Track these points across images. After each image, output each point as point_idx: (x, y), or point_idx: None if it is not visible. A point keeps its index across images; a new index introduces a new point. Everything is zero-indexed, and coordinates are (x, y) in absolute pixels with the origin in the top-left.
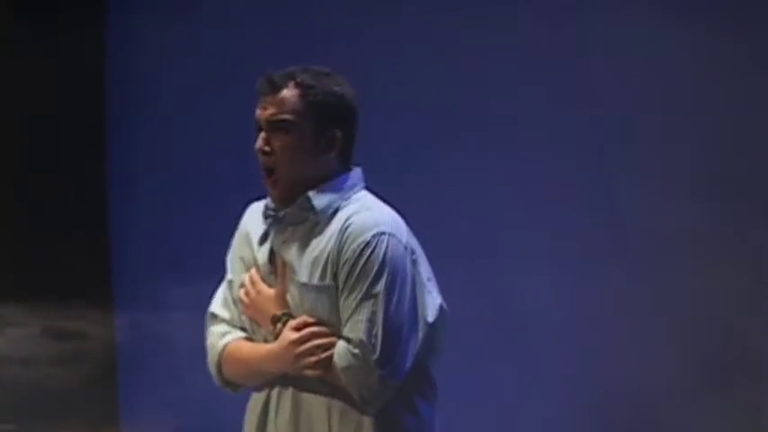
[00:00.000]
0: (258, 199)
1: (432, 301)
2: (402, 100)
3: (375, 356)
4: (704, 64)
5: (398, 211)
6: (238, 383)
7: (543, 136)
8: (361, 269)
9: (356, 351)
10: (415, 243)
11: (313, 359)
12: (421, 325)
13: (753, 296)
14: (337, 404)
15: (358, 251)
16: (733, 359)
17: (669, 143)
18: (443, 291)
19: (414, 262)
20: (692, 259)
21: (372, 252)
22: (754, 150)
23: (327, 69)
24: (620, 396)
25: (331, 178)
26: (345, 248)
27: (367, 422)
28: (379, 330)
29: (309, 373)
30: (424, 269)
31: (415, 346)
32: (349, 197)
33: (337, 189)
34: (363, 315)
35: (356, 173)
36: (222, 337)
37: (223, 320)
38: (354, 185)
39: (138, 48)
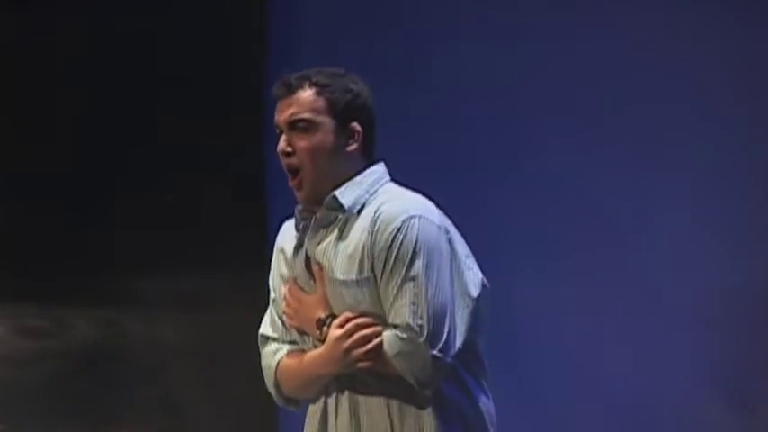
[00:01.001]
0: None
1: (473, 277)
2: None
3: (424, 338)
4: None
5: (431, 199)
6: (298, 398)
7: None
8: (397, 255)
9: (405, 336)
10: (448, 223)
11: (362, 351)
12: (466, 301)
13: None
14: (395, 397)
15: (391, 238)
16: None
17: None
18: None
19: (449, 241)
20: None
21: (405, 236)
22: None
23: (342, 70)
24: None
25: (355, 174)
26: (378, 238)
27: (427, 410)
28: (424, 311)
29: (361, 365)
30: (461, 247)
31: (462, 321)
32: (375, 191)
33: (362, 184)
34: (406, 299)
35: (380, 167)
36: (274, 355)
37: (273, 339)
38: (380, 179)
39: (301, 14)
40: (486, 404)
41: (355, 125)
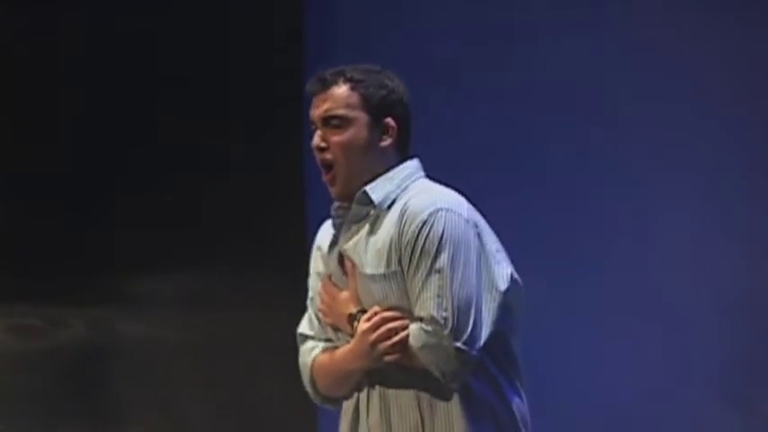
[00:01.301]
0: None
1: (501, 271)
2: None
3: (448, 330)
4: None
5: (464, 195)
6: (333, 395)
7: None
8: (423, 247)
9: (429, 328)
10: (478, 218)
11: (387, 344)
12: (493, 294)
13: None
14: (425, 392)
15: (417, 231)
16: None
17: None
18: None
19: (478, 234)
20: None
21: (431, 229)
22: None
23: (378, 67)
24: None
25: (388, 170)
26: (405, 231)
27: (456, 405)
28: (448, 304)
29: (388, 359)
30: (491, 242)
31: (488, 315)
32: (407, 186)
33: (394, 179)
34: (431, 291)
35: (413, 162)
36: (310, 353)
37: (310, 338)
38: (412, 175)
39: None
40: (519, 406)
41: (389, 121)
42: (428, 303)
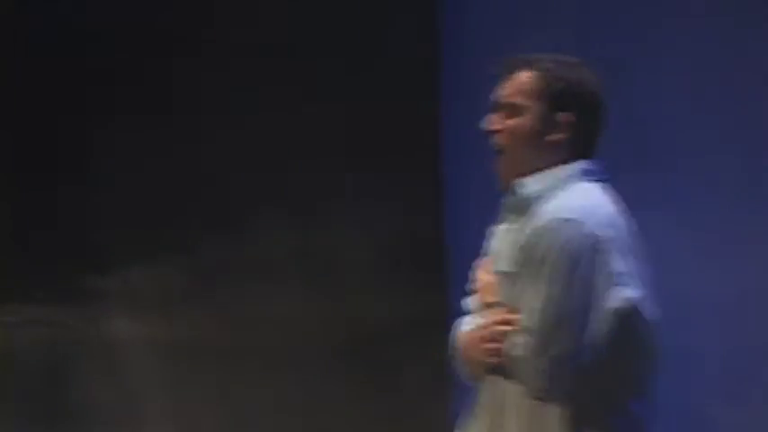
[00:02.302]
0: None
1: (618, 294)
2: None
3: (534, 344)
4: None
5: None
6: (465, 372)
7: None
8: (531, 254)
9: (520, 339)
10: (611, 235)
11: (488, 346)
12: (596, 315)
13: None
14: (525, 400)
15: (530, 237)
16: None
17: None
18: None
19: (597, 251)
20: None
21: (541, 238)
22: None
23: (575, 60)
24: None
25: (551, 167)
26: (525, 234)
27: (555, 422)
28: (538, 317)
29: (488, 360)
30: (621, 262)
31: (588, 334)
32: (562, 187)
33: (551, 178)
34: (527, 302)
35: (580, 164)
36: (458, 327)
37: (467, 313)
38: (573, 176)
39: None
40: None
41: (564, 115)
42: (523, 314)
